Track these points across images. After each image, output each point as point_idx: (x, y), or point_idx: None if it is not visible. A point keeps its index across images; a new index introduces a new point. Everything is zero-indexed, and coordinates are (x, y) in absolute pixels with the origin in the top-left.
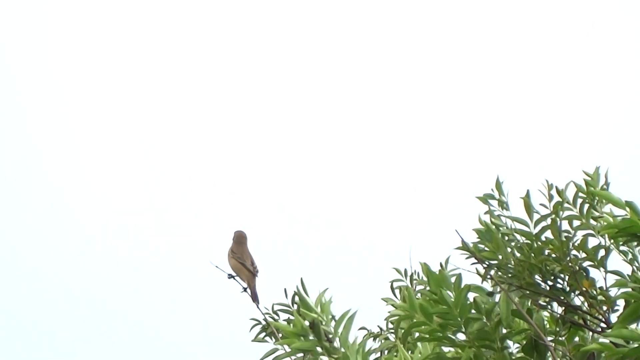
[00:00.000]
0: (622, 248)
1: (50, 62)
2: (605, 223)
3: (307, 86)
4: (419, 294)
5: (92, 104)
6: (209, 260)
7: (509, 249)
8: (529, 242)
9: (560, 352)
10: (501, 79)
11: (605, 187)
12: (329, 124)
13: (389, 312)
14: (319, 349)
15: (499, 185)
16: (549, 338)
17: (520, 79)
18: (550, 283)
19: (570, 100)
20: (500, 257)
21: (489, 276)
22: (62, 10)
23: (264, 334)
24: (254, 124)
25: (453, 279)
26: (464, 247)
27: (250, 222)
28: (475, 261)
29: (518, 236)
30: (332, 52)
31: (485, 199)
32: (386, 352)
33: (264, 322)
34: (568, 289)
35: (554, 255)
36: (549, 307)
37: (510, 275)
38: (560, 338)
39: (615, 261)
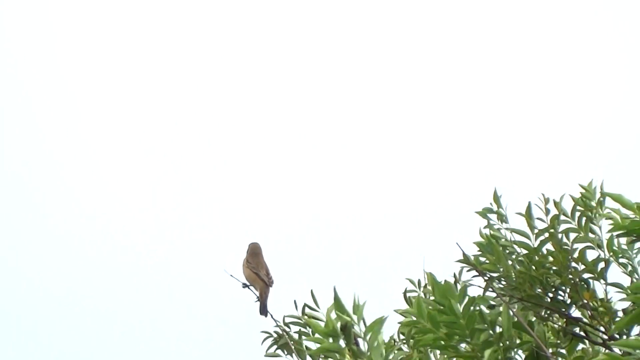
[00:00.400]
0: (621, 260)
1: (58, 63)
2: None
3: (311, 93)
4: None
5: (91, 106)
6: (223, 269)
7: (510, 262)
8: (528, 253)
9: None
10: (500, 89)
11: (601, 199)
12: (332, 137)
13: (398, 322)
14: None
15: (497, 198)
16: (551, 350)
17: (519, 89)
18: (551, 295)
19: (568, 112)
20: (501, 269)
21: (490, 288)
22: (70, 13)
23: (275, 347)
24: (263, 128)
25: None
26: (465, 259)
27: (261, 231)
28: (477, 274)
29: (518, 248)
30: (337, 57)
31: (484, 213)
32: None
33: (275, 335)
34: (569, 301)
35: (554, 268)
36: (551, 319)
37: (511, 287)
38: (561, 350)
39: (615, 273)
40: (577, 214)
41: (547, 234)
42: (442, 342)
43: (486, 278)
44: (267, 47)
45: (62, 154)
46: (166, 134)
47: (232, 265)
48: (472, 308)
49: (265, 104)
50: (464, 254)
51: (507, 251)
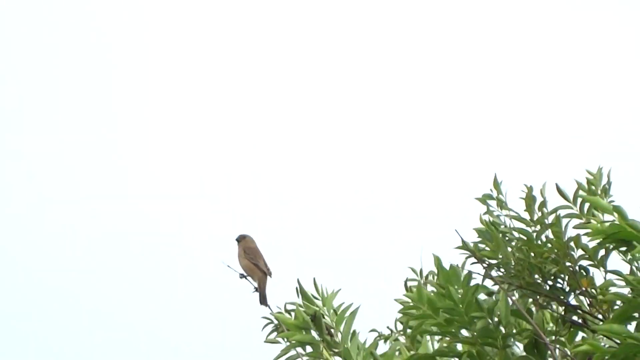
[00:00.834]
0: (622, 248)
1: (58, 63)
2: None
3: (311, 93)
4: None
5: (91, 106)
6: (220, 260)
7: (509, 249)
8: (527, 239)
9: (558, 352)
10: (500, 79)
11: (607, 186)
12: (331, 126)
13: (398, 311)
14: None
15: (497, 184)
16: (550, 338)
17: (519, 79)
18: (550, 283)
19: (569, 100)
20: (500, 256)
21: (489, 276)
22: (71, 12)
23: (275, 333)
24: (262, 125)
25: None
26: (465, 246)
27: (261, 222)
28: (475, 261)
29: (517, 235)
30: (334, 56)
31: (484, 199)
32: (397, 353)
33: (275, 321)
34: (568, 288)
35: (553, 255)
36: (549, 306)
37: (510, 275)
38: (560, 338)
39: (615, 261)
40: (579, 200)
41: (549, 219)
42: (444, 329)
43: (485, 265)
44: (269, 48)
45: (63, 154)
46: (166, 131)
47: (228, 258)
48: (473, 295)
49: (265, 104)
50: (463, 241)
51: (507, 238)
